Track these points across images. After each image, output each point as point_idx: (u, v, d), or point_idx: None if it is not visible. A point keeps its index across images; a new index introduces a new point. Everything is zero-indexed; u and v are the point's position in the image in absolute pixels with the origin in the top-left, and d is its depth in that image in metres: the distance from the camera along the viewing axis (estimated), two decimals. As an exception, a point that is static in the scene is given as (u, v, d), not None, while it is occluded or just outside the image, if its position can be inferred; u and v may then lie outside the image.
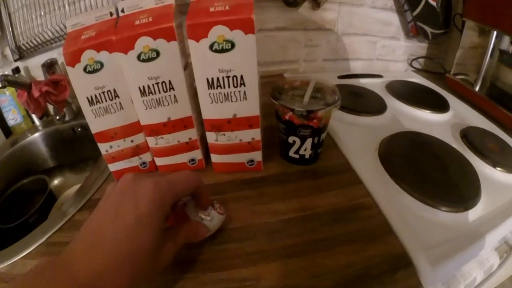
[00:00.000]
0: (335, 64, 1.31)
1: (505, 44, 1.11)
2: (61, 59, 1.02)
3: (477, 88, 1.14)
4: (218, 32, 0.53)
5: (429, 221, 0.62)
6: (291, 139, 0.70)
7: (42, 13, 0.98)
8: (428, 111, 1.00)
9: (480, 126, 0.96)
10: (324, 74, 1.25)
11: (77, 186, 0.73)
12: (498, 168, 0.77)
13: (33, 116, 1.04)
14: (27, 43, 1.01)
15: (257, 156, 0.70)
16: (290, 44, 1.20)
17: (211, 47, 0.54)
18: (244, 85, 0.58)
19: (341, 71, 1.27)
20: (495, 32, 1.08)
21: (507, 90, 1.08)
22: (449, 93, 1.16)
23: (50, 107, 1.07)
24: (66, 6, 0.97)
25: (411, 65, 1.39)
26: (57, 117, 1.04)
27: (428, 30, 1.26)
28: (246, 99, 0.60)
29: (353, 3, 1.19)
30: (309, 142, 0.69)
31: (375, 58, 1.34)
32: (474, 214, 0.65)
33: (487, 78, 1.14)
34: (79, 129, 1.04)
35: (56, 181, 1.08)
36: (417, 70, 1.38)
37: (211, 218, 0.54)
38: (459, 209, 0.64)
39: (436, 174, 0.72)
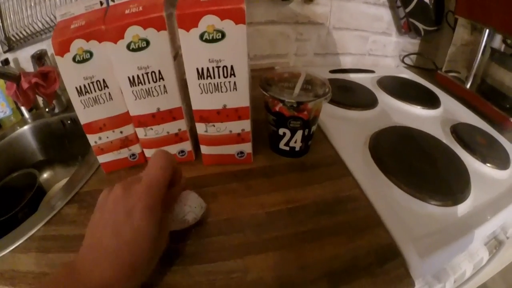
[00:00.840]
0: (326, 59, 1.31)
1: (496, 42, 1.12)
2: (51, 51, 1.01)
3: (468, 85, 1.15)
4: (209, 22, 0.53)
5: (418, 214, 0.62)
6: (281, 131, 0.69)
7: (32, 4, 0.97)
8: (419, 107, 1.01)
9: (470, 123, 0.97)
10: (315, 68, 1.25)
11: (66, 180, 0.72)
12: (488, 164, 0.78)
13: (23, 108, 1.03)
14: (16, 34, 0.99)
15: (247, 148, 0.70)
16: (281, 38, 1.20)
17: (201, 36, 0.54)
18: (234, 76, 0.58)
19: (331, 66, 1.27)
20: (487, 30, 1.08)
21: (498, 87, 1.09)
22: (440, 90, 1.17)
23: (40, 100, 1.06)
24: (57, -3, 0.97)
25: (402, 61, 1.39)
26: (47, 110, 1.03)
27: (421, 26, 1.26)
28: (236, 90, 0.60)
29: (346, -3, 1.19)
30: (299, 134, 0.69)
31: (366, 53, 1.34)
32: (463, 208, 0.65)
33: (478, 75, 1.15)
34: (69, 122, 1.03)
35: (45, 175, 1.07)
36: (408, 66, 1.39)
37: (196, 206, 0.55)
38: (448, 202, 0.64)
39: (425, 168, 0.72)
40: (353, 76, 1.19)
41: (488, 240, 0.71)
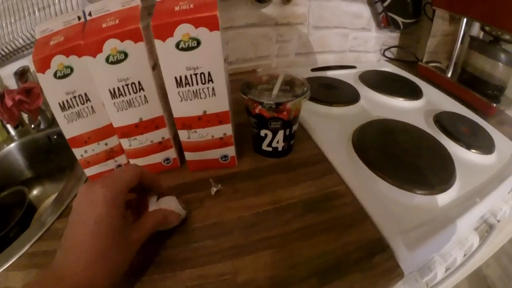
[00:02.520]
0: (308, 58, 1.32)
1: (475, 30, 1.14)
2: (33, 67, 1.00)
3: (449, 74, 1.17)
4: (184, 31, 0.53)
5: (405, 205, 0.63)
6: (262, 132, 0.70)
7: (13, 20, 0.97)
8: (401, 99, 1.02)
9: (453, 111, 0.98)
10: (297, 68, 1.26)
11: (56, 195, 0.72)
12: (473, 150, 0.79)
13: (8, 126, 1.03)
14: (-2, 51, 0.99)
15: (230, 151, 0.70)
16: (262, 40, 1.21)
17: (177, 45, 0.54)
18: (212, 82, 0.59)
19: (314, 65, 1.28)
20: (465, 19, 1.10)
21: (478, 75, 1.11)
22: (422, 81, 1.18)
23: (25, 116, 1.06)
24: (36, 12, 0.96)
25: (383, 55, 1.41)
26: (32, 126, 1.03)
27: (399, 20, 1.28)
28: (215, 95, 0.60)
29: (323, -4, 1.20)
30: (280, 134, 0.70)
31: (347, 50, 1.35)
32: (449, 196, 0.66)
33: (458, 64, 1.17)
34: (55, 137, 1.03)
35: (35, 191, 1.07)
36: (390, 60, 1.41)
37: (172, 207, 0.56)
38: (434, 191, 0.65)
39: (410, 159, 0.74)
40: (335, 73, 1.21)
41: (479, 225, 0.72)
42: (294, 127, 0.72)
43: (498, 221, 0.74)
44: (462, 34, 1.13)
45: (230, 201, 0.65)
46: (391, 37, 1.38)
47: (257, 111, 0.67)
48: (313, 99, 0.92)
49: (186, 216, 0.60)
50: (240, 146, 0.73)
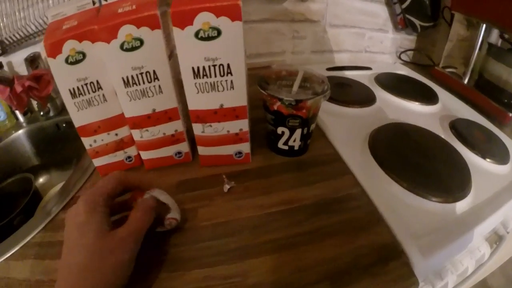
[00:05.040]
0: (322, 56, 1.30)
1: (493, 37, 1.12)
2: (44, 53, 0.99)
3: (465, 81, 1.15)
4: (204, 19, 0.52)
5: (419, 211, 0.62)
6: (280, 130, 0.69)
7: (25, 6, 0.96)
8: (417, 103, 1.00)
9: (468, 118, 0.96)
10: (312, 66, 1.23)
11: (62, 184, 0.71)
12: (488, 159, 0.77)
13: (17, 112, 1.02)
14: (10, 37, 0.98)
15: (245, 147, 0.69)
16: (276, 36, 1.19)
17: (196, 34, 0.53)
18: (231, 74, 0.57)
19: (328, 63, 1.26)
20: (483, 25, 1.08)
21: (495, 82, 1.09)
22: (437, 85, 1.16)
23: (34, 103, 1.05)
24: (49, -1, 0.95)
25: (399, 57, 1.39)
26: (41, 113, 1.02)
27: (417, 22, 1.26)
28: (233, 89, 0.59)
29: (341, -6, 1.18)
30: (298, 132, 0.68)
31: (362, 50, 1.33)
32: (464, 204, 0.64)
33: (475, 70, 1.15)
34: (64, 125, 1.02)
35: (41, 179, 1.06)
36: (406, 63, 1.38)
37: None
38: (449, 199, 0.64)
39: (426, 165, 0.72)
40: (350, 73, 1.19)
41: (489, 235, 0.71)
42: (312, 126, 0.70)
43: (508, 232, 0.72)
44: (481, 40, 1.11)
45: (240, 199, 0.63)
46: (407, 40, 1.36)
47: (275, 107, 0.65)
48: (329, 98, 0.89)
49: (192, 214, 0.59)
50: (253, 142, 0.71)
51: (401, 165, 0.71)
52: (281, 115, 0.66)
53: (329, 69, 1.21)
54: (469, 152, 0.79)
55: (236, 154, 0.69)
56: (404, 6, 1.21)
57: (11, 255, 0.55)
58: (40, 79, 0.93)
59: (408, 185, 0.65)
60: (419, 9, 1.24)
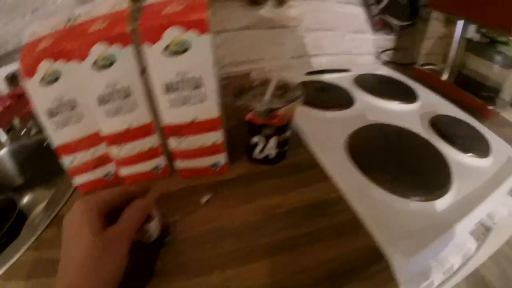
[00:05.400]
0: (302, 61, 1.30)
1: (471, 32, 1.13)
2: (23, 72, 0.99)
3: (445, 77, 1.16)
4: (173, 34, 0.52)
5: (400, 212, 0.62)
6: (255, 139, 0.69)
7: (2, 24, 0.96)
8: (396, 102, 1.01)
9: (449, 114, 0.97)
10: (292, 71, 1.23)
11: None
12: (469, 154, 0.78)
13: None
14: (-12, 56, 0.98)
15: (221, 158, 0.69)
16: (256, 43, 1.19)
17: (166, 49, 0.53)
18: (203, 87, 0.57)
19: (308, 68, 1.26)
20: (461, 22, 1.09)
21: (474, 77, 1.11)
22: (417, 84, 1.17)
23: (16, 122, 1.04)
24: (27, 16, 0.95)
25: (379, 57, 1.40)
26: (23, 131, 1.02)
27: (395, 22, 1.27)
28: (205, 101, 0.59)
29: (318, -2, 1.19)
30: (273, 140, 0.69)
31: (342, 53, 1.34)
32: (446, 201, 0.65)
33: (454, 66, 1.16)
34: (46, 142, 1.02)
35: (26, 198, 1.05)
36: (386, 63, 1.39)
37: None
38: (430, 197, 0.64)
39: (405, 165, 0.73)
40: (329, 77, 1.18)
41: (475, 228, 0.71)
42: (287, 133, 0.70)
43: (494, 223, 0.73)
44: (458, 36, 1.12)
45: (221, 209, 0.64)
46: (387, 39, 1.36)
47: (249, 117, 0.65)
48: (307, 103, 0.90)
49: (173, 227, 0.60)
50: (232, 152, 0.71)
51: (380, 166, 0.72)
52: (255, 125, 0.66)
53: (308, 73, 1.21)
54: (449, 148, 0.80)
55: (212, 165, 0.70)
56: (381, 6, 1.22)
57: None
58: (20, 97, 0.92)
59: (387, 186, 0.66)
60: (396, 9, 1.25)
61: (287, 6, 1.14)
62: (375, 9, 1.24)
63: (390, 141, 0.81)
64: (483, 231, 0.72)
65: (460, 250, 0.65)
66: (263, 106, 0.63)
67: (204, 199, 0.65)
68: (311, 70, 1.23)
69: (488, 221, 0.72)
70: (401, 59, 1.37)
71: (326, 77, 1.18)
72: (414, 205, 0.63)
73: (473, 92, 1.06)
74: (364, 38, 1.33)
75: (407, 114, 0.97)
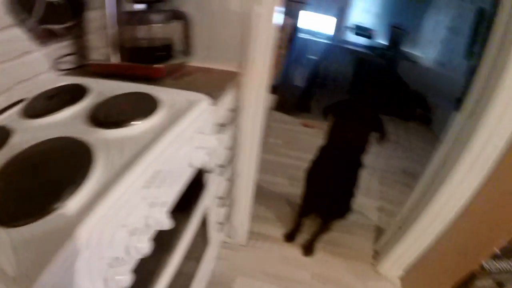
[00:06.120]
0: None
1: (126, 6, 1.15)
2: None
3: (114, 60, 1.14)
4: None
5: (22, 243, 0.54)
6: None
7: None
8: (60, 111, 0.91)
9: (119, 93, 0.97)
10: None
11: None
12: (132, 123, 0.81)
13: None
14: None
15: None
16: None
17: None
18: None
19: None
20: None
21: (142, 45, 1.15)
22: (94, 79, 1.12)
23: None
24: None
25: (58, 68, 1.27)
26: None
27: (58, 27, 1.20)
28: None
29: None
30: None
31: (14, 85, 1.17)
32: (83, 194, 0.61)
33: (117, 45, 1.13)
34: None
35: None
36: (67, 71, 1.28)
37: None
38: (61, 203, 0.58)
39: (25, 185, 0.64)
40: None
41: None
42: None
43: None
44: (112, 14, 1.08)
45: None
46: (61, 47, 1.25)
47: None
48: None
49: None
50: None
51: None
52: None
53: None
54: (105, 132, 0.79)
55: None
56: (35, 17, 1.10)
57: None
58: None
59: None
60: (55, 14, 1.16)
61: None
62: (30, 22, 1.11)
63: (20, 167, 0.70)
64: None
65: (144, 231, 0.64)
66: None
67: None
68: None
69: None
70: (80, 60, 1.28)
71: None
72: (37, 228, 0.55)
73: (141, 60, 1.07)
74: (32, 59, 1.19)
75: (73, 117, 0.89)
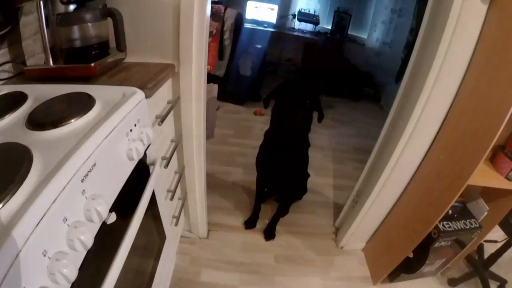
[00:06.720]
0: None
1: (59, 8, 1.15)
2: None
3: (52, 62, 1.15)
4: None
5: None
6: None
7: None
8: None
9: (54, 95, 0.98)
10: None
11: None
12: (64, 123, 0.82)
13: None
14: None
15: None
16: None
17: None
18: None
19: None
20: (41, 2, 1.07)
21: (77, 46, 1.16)
22: (34, 84, 1.11)
23: None
24: None
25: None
26: None
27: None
28: None
29: None
30: None
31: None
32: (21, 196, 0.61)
33: (56, 48, 1.16)
34: None
35: None
36: (7, 80, 1.26)
37: None
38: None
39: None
40: None
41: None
42: None
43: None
44: (45, 18, 1.07)
45: None
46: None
47: None
48: None
49: None
50: None
51: None
52: None
53: None
54: (43, 133, 0.80)
55: None
56: None
57: None
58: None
59: None
60: None
61: None
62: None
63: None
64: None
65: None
66: None
67: None
68: None
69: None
70: (18, 67, 1.27)
71: None
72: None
73: (76, 61, 1.12)
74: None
75: (12, 125, 0.89)
